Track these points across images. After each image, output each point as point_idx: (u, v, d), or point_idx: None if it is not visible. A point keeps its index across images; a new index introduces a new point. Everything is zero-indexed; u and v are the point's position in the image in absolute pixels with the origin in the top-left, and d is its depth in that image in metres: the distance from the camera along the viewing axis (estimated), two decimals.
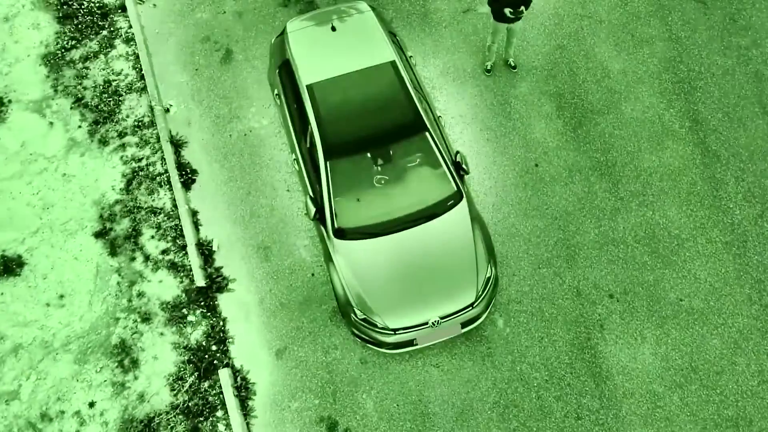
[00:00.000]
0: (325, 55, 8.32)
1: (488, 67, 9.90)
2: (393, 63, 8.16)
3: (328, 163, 7.77)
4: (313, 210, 7.77)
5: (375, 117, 7.86)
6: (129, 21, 10.65)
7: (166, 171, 9.41)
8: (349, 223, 7.75)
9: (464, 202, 7.85)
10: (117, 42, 10.49)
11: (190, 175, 9.36)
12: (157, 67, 10.29)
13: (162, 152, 9.56)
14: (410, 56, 9.08)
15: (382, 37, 8.41)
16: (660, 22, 10.19)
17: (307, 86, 8.08)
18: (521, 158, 9.27)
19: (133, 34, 10.50)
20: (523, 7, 8.70)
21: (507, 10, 8.70)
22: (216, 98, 9.99)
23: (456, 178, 7.89)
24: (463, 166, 7.92)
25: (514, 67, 9.91)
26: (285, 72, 8.61)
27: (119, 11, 10.77)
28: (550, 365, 8.07)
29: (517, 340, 8.22)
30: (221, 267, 8.83)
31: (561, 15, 10.34)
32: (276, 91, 8.99)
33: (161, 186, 9.34)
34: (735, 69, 9.76)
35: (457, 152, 7.99)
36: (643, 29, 10.14)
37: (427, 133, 7.89)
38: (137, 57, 10.33)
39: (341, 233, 7.72)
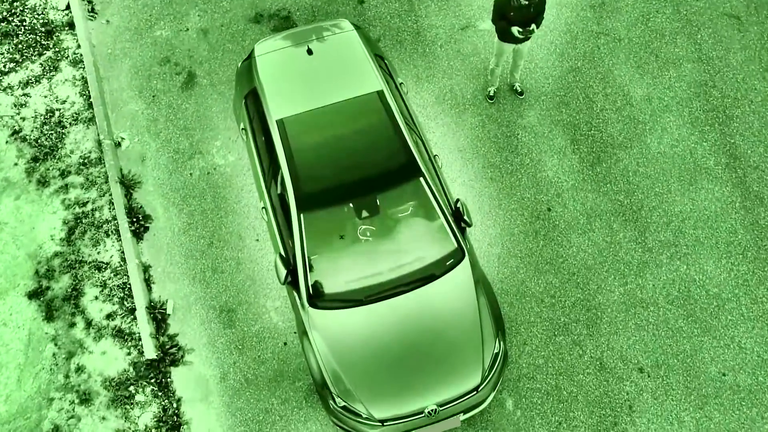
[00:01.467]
0: (300, 83, 7.14)
1: (491, 93, 8.75)
2: (380, 93, 6.99)
3: (302, 215, 6.57)
4: (283, 272, 6.56)
5: (359, 160, 6.69)
6: (77, 40, 9.45)
7: (115, 218, 8.19)
8: (327, 289, 6.55)
9: (467, 261, 6.67)
10: (63, 64, 9.30)
11: (142, 222, 8.15)
12: (109, 94, 9.10)
13: (110, 195, 8.34)
14: (401, 83, 7.91)
15: (368, 61, 7.24)
16: (688, 41, 9.07)
17: (277, 122, 6.89)
18: (531, 201, 8.10)
19: (81, 54, 9.31)
20: (533, 26, 7.56)
21: (515, 29, 7.56)
22: (175, 130, 8.80)
23: (456, 231, 6.70)
24: (465, 217, 6.74)
25: (521, 93, 8.76)
26: (252, 103, 7.43)
27: (67, 28, 9.58)
28: None
29: (529, 425, 7.01)
30: (176, 335, 7.61)
31: (574, 32, 9.21)
32: (242, 125, 7.80)
33: (108, 235, 8.12)
34: None
35: (458, 200, 6.81)
36: (669, 49, 9.02)
37: (421, 179, 6.72)
38: (85, 82, 9.13)
39: (317, 301, 6.51)
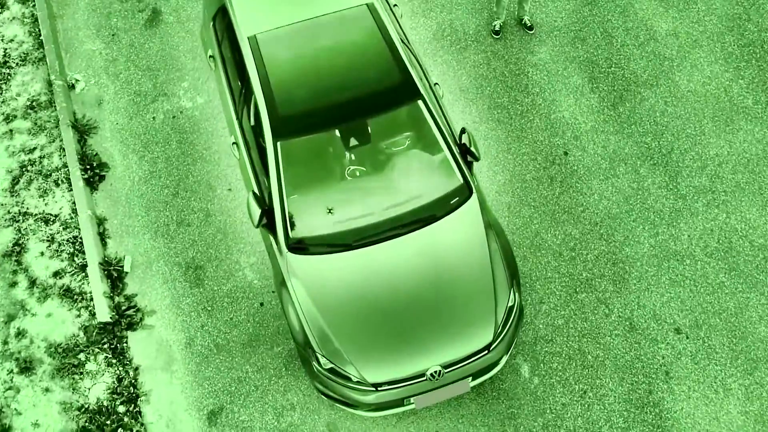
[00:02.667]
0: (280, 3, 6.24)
1: (496, 28, 7.88)
2: (371, 6, 6.10)
3: (278, 144, 5.67)
4: (257, 212, 5.65)
5: (346, 80, 5.80)
6: None
7: (66, 165, 7.25)
8: (311, 231, 5.63)
9: (474, 199, 5.77)
10: (10, 1, 8.35)
11: (97, 171, 7.22)
12: (63, 33, 8.18)
13: (61, 140, 7.41)
14: (394, 5, 7.03)
15: None
16: None
17: (249, 38, 5.99)
18: (545, 144, 7.22)
19: None
20: None
21: None
22: (137, 71, 7.88)
23: (462, 165, 5.80)
24: (472, 149, 5.84)
25: (531, 28, 7.90)
26: (221, 23, 6.54)
27: None
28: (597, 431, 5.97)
29: (549, 395, 6.10)
30: (134, 295, 6.66)
31: None
32: (210, 52, 6.89)
33: (58, 185, 7.18)
34: None
35: (463, 129, 5.92)
36: None
37: (420, 102, 5.82)
38: (36, 20, 8.20)
39: (298, 245, 5.60)
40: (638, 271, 6.58)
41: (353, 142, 5.77)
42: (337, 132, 5.76)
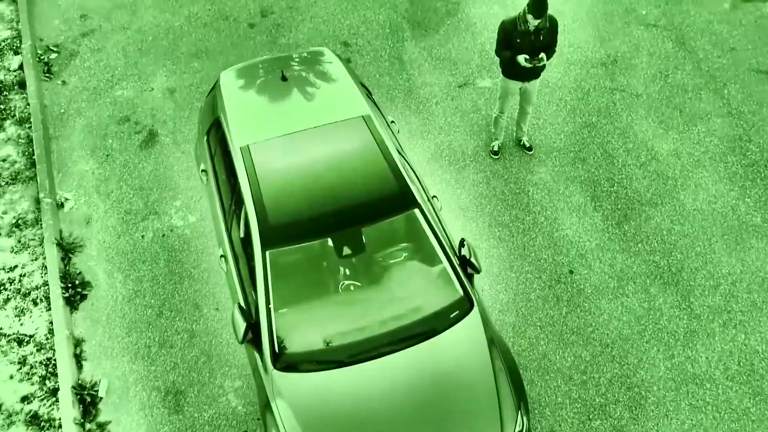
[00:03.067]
0: (271, 110, 6.24)
1: (495, 148, 7.84)
2: (367, 117, 6.03)
3: (267, 253, 5.38)
4: (242, 326, 5.28)
5: (340, 188, 5.62)
6: (27, 99, 8.63)
7: (47, 283, 6.94)
8: (299, 346, 5.24)
9: (476, 312, 5.41)
10: (7, 123, 8.40)
11: (79, 290, 6.91)
12: (57, 153, 8.16)
13: (44, 258, 7.14)
14: (392, 121, 7.00)
15: (352, 86, 6.37)
16: (714, 96, 8.33)
17: (241, 149, 5.87)
18: (549, 262, 6.95)
19: (29, 113, 8.44)
20: (543, 55, 6.77)
21: (522, 58, 6.77)
22: (129, 190, 7.76)
23: (462, 277, 5.49)
24: (472, 260, 5.55)
25: (530, 149, 7.86)
26: (215, 136, 6.46)
27: (17, 88, 8.79)
28: None
29: None
30: (108, 422, 6.15)
31: (585, 89, 8.47)
32: (202, 166, 6.78)
33: (36, 304, 6.84)
34: None
35: (462, 240, 5.66)
36: (693, 104, 8.26)
37: (417, 211, 5.60)
38: (30, 140, 8.19)
39: (286, 362, 5.18)
40: (655, 396, 6.09)
41: (346, 251, 5.50)
42: (329, 241, 5.50)
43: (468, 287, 5.54)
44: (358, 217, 5.52)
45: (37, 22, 9.68)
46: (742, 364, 6.27)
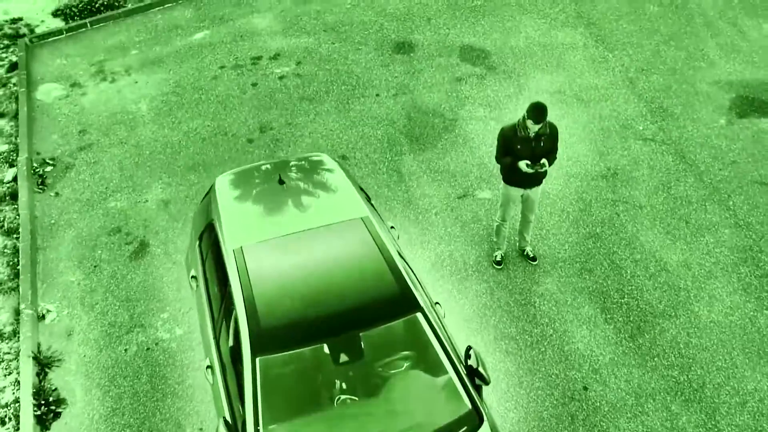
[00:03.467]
0: (267, 212, 5.95)
1: (498, 258, 7.50)
2: (366, 219, 5.73)
3: (257, 360, 4.89)
4: None
5: (336, 291, 5.23)
6: (17, 210, 8.36)
7: (17, 400, 6.36)
8: None
9: (486, 427, 4.85)
10: None
11: (52, 407, 6.33)
12: (43, 264, 7.79)
13: (18, 373, 6.60)
14: (391, 227, 6.70)
15: (350, 189, 6.12)
16: (719, 207, 8.11)
17: (234, 251, 5.51)
18: (561, 378, 6.43)
19: (18, 224, 8.14)
20: (545, 160, 6.58)
21: (523, 164, 6.57)
22: (115, 301, 7.33)
23: (470, 388, 4.99)
24: (480, 370, 5.07)
25: (534, 259, 7.52)
26: (207, 241, 6.13)
27: (8, 199, 8.55)
28: None
29: None
30: None
31: (587, 200, 8.26)
32: (192, 272, 6.39)
33: (4, 423, 6.23)
34: None
35: (469, 348, 5.20)
36: (699, 215, 8.02)
37: (419, 315, 5.17)
38: (17, 251, 7.84)
39: None
40: None
41: (344, 358, 5.02)
42: (325, 348, 5.02)
43: (477, 399, 5.02)
44: (356, 322, 5.08)
45: (36, 137, 9.60)
46: None
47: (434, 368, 5.13)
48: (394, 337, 5.19)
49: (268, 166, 6.67)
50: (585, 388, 6.39)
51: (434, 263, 7.61)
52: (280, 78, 10.69)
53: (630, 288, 7.27)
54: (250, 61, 11.24)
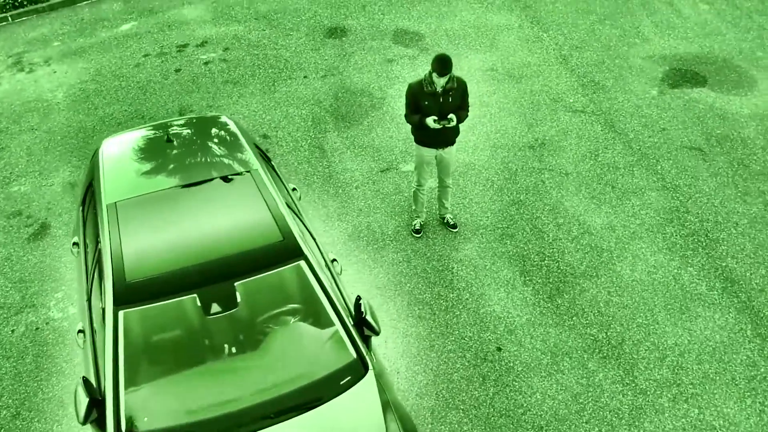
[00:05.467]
0: (148, 170, 5.61)
1: (417, 227, 7.22)
2: (254, 173, 5.44)
3: (120, 314, 4.53)
4: (85, 402, 4.31)
5: (214, 242, 4.88)
6: None
7: None
8: (151, 423, 4.28)
9: (371, 377, 4.53)
10: None
11: None
12: None
13: None
14: (293, 189, 6.40)
15: (242, 145, 5.83)
16: (647, 172, 7.92)
17: (107, 206, 5.17)
18: (474, 340, 6.13)
19: None
20: (452, 115, 6.33)
21: (431, 119, 6.33)
22: (6, 283, 6.94)
23: (356, 339, 4.67)
24: (369, 319, 4.75)
25: (454, 226, 7.25)
26: (88, 202, 5.77)
27: None
28: None
29: None
30: None
31: (512, 169, 8.03)
32: (75, 239, 6.04)
33: None
34: (765, 215, 7.24)
35: (359, 298, 4.88)
36: (626, 180, 7.81)
37: (303, 264, 4.85)
38: None
39: None
40: None
41: (216, 308, 4.67)
42: (196, 299, 4.68)
43: (362, 349, 4.70)
44: (231, 271, 4.75)
45: None
46: None
47: (318, 318, 4.82)
48: (275, 287, 4.87)
49: (159, 125, 6.36)
50: (498, 349, 6.09)
51: (351, 234, 7.31)
52: (205, 63, 10.43)
53: (551, 251, 7.02)
54: (175, 48, 10.97)
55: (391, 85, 9.74)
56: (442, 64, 6.22)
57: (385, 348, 6.14)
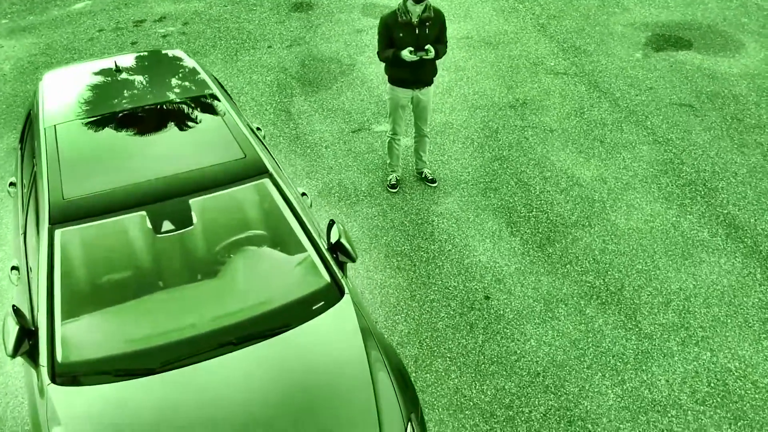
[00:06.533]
0: (96, 96, 5.05)
1: (393, 181, 6.73)
2: (210, 96, 4.93)
3: (56, 233, 3.95)
4: (14, 331, 3.70)
5: (165, 158, 4.34)
6: None
7: None
8: (88, 352, 3.69)
9: (348, 300, 3.99)
10: None
11: None
12: None
13: None
14: (257, 128, 5.89)
15: (199, 73, 5.33)
16: (636, 127, 7.54)
17: (46, 129, 4.61)
18: (460, 290, 5.61)
19: None
20: (429, 47, 5.88)
21: (406, 51, 5.88)
22: None
23: (330, 262, 4.13)
24: (344, 243, 4.23)
25: (433, 181, 6.78)
26: (28, 134, 5.19)
27: None
28: None
29: None
30: None
31: (493, 127, 7.60)
32: (12, 179, 5.45)
33: None
34: (764, 165, 6.89)
35: (332, 223, 4.36)
36: (615, 135, 7.43)
37: (268, 181, 4.32)
38: None
39: (68, 373, 3.61)
40: (605, 429, 4.57)
41: (167, 226, 4.10)
42: (146, 217, 4.11)
43: (337, 273, 4.16)
44: (186, 187, 4.20)
45: None
46: (713, 385, 4.86)
47: (286, 239, 4.27)
48: (237, 207, 4.31)
49: (108, 58, 5.82)
50: (487, 297, 5.57)
51: (321, 191, 6.79)
52: (163, 36, 9.92)
53: (539, 203, 6.56)
54: (132, 24, 10.46)
55: (361, 52, 9.32)
56: None
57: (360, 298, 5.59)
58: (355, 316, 3.96)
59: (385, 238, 6.21)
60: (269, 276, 4.09)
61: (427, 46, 5.93)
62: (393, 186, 6.76)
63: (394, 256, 6.01)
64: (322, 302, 4.02)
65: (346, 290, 4.09)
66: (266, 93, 8.48)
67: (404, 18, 5.94)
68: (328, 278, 4.12)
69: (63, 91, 5.16)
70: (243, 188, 4.27)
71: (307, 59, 9.19)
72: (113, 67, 5.45)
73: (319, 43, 9.59)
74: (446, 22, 6.09)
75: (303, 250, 4.19)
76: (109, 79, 5.29)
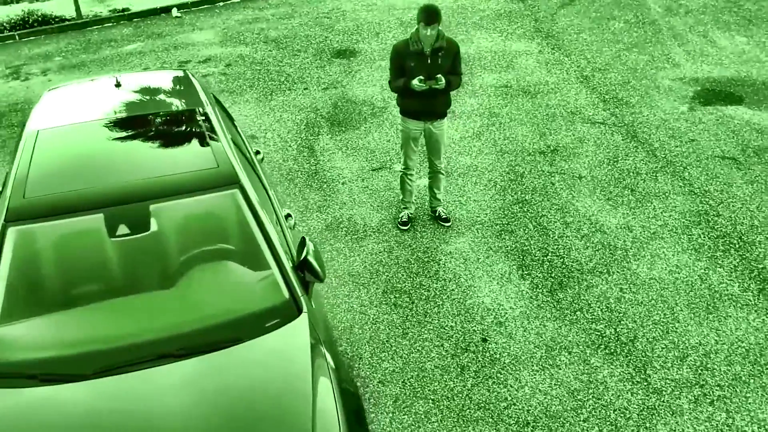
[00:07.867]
0: (84, 107, 5.06)
1: (404, 219, 6.49)
2: (201, 111, 4.86)
3: (9, 231, 3.85)
4: None
5: (135, 165, 4.25)
6: None
7: None
8: (22, 354, 3.54)
9: (304, 319, 3.72)
10: None
11: None
12: None
13: None
14: (256, 152, 5.77)
15: (197, 91, 5.29)
16: (672, 178, 7.13)
17: (28, 134, 4.61)
18: (456, 330, 5.25)
19: None
20: (440, 76, 5.70)
21: (416, 80, 5.70)
22: None
23: (291, 279, 3.88)
24: (311, 260, 3.98)
25: (446, 220, 6.50)
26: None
27: None
28: None
29: None
30: None
31: (519, 172, 7.31)
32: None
33: None
34: None
35: (303, 240, 4.13)
36: (648, 185, 7.02)
37: (238, 192, 4.14)
38: None
39: None
40: None
41: (123, 230, 3.94)
42: (102, 220, 3.97)
43: (297, 290, 3.89)
44: (148, 192, 4.05)
45: None
46: None
47: (248, 253, 4.06)
48: (201, 216, 4.14)
49: (114, 75, 5.85)
50: (484, 340, 5.18)
51: (329, 225, 6.59)
52: (204, 76, 10.07)
53: (556, 247, 6.18)
54: (176, 64, 10.68)
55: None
56: (429, 12, 5.66)
57: (349, 334, 5.29)
58: (309, 335, 3.66)
59: (386, 274, 5.91)
60: (224, 288, 3.87)
61: (438, 76, 5.73)
62: (404, 223, 6.49)
63: (392, 292, 5.70)
64: (277, 319, 3.74)
65: (304, 309, 3.81)
66: (293, 131, 8.43)
67: (416, 47, 5.78)
68: (287, 295, 3.86)
69: (58, 103, 5.19)
70: (209, 197, 4.10)
71: (340, 101, 9.14)
72: (114, 82, 5.44)
73: (356, 86, 9.55)
74: (460, 53, 5.90)
75: (265, 265, 3.95)
76: (106, 93, 5.28)
